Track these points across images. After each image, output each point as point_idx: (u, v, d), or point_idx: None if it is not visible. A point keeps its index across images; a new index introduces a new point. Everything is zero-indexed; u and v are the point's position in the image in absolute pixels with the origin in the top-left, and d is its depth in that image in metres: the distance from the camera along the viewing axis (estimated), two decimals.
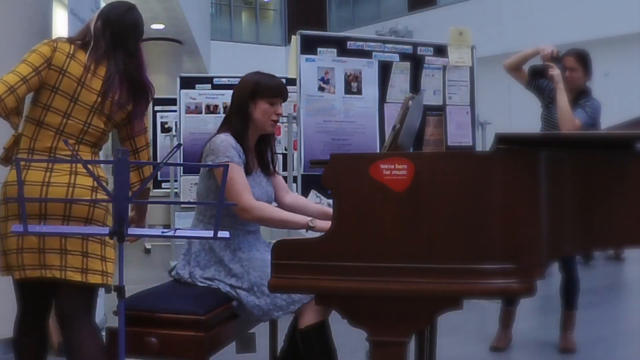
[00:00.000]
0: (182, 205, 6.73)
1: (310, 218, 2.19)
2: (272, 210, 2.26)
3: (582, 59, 3.47)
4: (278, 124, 3.00)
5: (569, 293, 3.58)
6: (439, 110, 4.96)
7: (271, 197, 2.39)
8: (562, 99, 3.37)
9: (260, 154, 2.41)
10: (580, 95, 3.48)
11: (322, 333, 2.17)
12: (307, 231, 2.18)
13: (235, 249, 2.26)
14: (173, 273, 2.35)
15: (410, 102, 2.07)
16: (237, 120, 2.31)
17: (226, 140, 2.25)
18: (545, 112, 3.64)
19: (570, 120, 3.33)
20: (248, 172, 2.27)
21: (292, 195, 2.53)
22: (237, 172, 2.19)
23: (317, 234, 2.08)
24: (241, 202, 2.16)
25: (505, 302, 3.60)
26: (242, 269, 2.21)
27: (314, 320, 2.14)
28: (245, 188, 2.19)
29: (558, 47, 3.62)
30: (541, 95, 3.66)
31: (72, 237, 1.95)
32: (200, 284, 2.24)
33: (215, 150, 2.23)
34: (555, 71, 3.42)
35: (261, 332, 2.43)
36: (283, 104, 2.49)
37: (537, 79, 3.62)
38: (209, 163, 2.23)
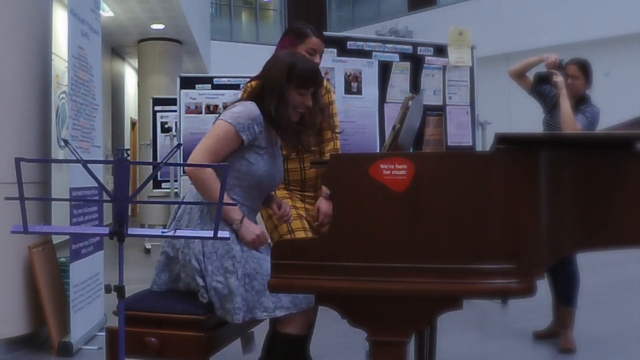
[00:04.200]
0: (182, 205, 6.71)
1: (240, 219, 2.11)
2: (213, 183, 2.07)
3: (583, 68, 3.68)
4: None
5: (569, 288, 3.60)
6: (439, 110, 4.96)
7: (281, 173, 2.34)
8: (565, 104, 3.56)
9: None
10: (580, 101, 3.67)
11: (300, 347, 2.17)
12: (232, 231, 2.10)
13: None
14: (165, 245, 2.23)
15: (410, 102, 2.07)
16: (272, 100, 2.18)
17: (248, 107, 2.15)
18: (548, 116, 3.83)
19: (572, 124, 3.52)
20: (288, 154, 2.26)
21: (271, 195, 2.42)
22: (222, 135, 2.10)
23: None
24: (194, 156, 2.08)
25: (564, 303, 3.61)
26: (242, 255, 2.11)
27: (295, 330, 2.13)
28: (210, 149, 2.09)
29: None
30: (543, 101, 3.85)
31: None
32: (193, 261, 2.09)
33: (228, 112, 2.14)
34: (559, 78, 3.61)
35: (260, 332, 2.42)
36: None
37: (540, 86, 3.80)
38: (208, 163, 2.19)
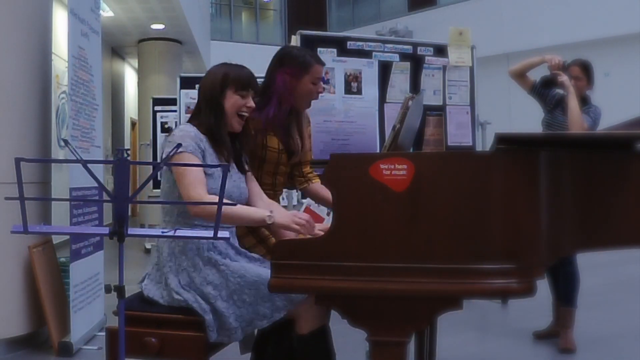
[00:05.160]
0: None
1: (268, 212, 2.04)
2: (225, 206, 2.03)
3: (586, 69, 3.71)
4: None
5: (569, 288, 3.60)
6: (439, 110, 4.96)
7: (243, 192, 2.24)
8: (573, 102, 3.57)
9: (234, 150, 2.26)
10: (581, 102, 3.68)
11: (323, 338, 2.11)
12: (265, 226, 2.04)
13: (209, 248, 2.09)
14: (145, 291, 2.16)
15: (410, 102, 2.07)
16: (208, 114, 2.17)
17: (184, 129, 2.13)
18: (548, 116, 3.85)
19: (579, 123, 3.54)
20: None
21: (265, 202, 2.32)
22: (190, 162, 2.04)
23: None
24: (190, 195, 1.99)
25: (564, 303, 3.63)
26: (219, 276, 2.06)
27: (315, 325, 2.08)
28: (197, 180, 2.02)
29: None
30: (543, 101, 3.87)
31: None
32: (175, 295, 2.05)
33: (172, 143, 2.05)
34: (564, 77, 3.63)
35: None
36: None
37: (546, 89, 3.82)
38: (208, 163, 2.13)
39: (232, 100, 2.17)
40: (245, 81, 2.19)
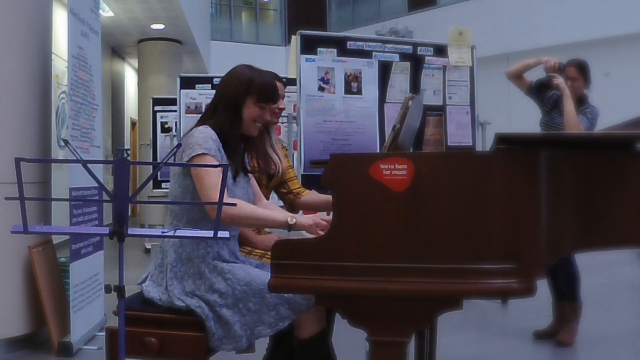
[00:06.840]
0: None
1: (290, 215, 2.05)
2: (246, 207, 2.04)
3: (582, 69, 3.71)
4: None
5: (570, 285, 3.61)
6: (439, 110, 4.96)
7: (251, 198, 2.23)
8: (569, 105, 3.58)
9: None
10: (579, 101, 3.69)
11: (323, 342, 2.10)
12: (289, 231, 2.04)
13: (214, 257, 2.07)
14: (145, 293, 2.15)
15: (410, 102, 2.07)
16: (225, 115, 2.15)
17: (205, 132, 2.08)
18: (546, 117, 3.86)
19: (575, 125, 3.55)
20: (235, 174, 2.14)
21: (264, 203, 2.33)
22: (209, 169, 2.00)
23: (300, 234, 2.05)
24: (211, 198, 1.94)
25: (568, 300, 3.64)
26: (226, 284, 2.03)
27: (315, 329, 2.06)
28: (217, 183, 1.91)
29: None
30: (541, 102, 3.88)
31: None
32: (177, 302, 2.04)
33: (192, 144, 2.05)
34: (559, 80, 3.64)
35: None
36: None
37: (542, 92, 3.83)
38: (208, 163, 2.06)
39: (250, 110, 2.16)
40: (269, 94, 2.17)
